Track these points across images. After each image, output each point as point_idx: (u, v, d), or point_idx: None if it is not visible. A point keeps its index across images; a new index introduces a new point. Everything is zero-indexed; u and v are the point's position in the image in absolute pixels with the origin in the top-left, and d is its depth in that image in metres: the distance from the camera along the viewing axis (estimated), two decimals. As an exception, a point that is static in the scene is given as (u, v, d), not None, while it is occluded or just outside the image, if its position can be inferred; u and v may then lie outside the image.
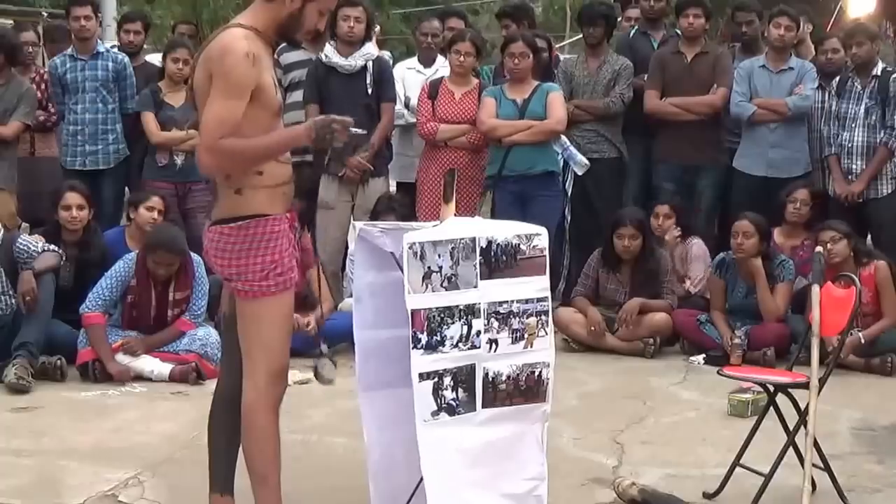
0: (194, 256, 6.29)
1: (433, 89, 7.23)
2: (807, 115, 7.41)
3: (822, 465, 4.16)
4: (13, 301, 6.17)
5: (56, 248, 6.27)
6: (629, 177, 7.79)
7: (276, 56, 7.16)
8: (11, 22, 11.31)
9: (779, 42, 7.38)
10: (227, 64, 3.37)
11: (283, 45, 6.88)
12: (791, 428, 4.23)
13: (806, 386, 4.10)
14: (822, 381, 4.12)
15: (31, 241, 6.23)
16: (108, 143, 7.50)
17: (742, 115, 7.37)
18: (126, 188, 7.69)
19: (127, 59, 7.69)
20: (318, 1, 3.54)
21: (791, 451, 4.20)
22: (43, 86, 7.79)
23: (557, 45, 19.14)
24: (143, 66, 7.96)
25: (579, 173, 7.22)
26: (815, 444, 4.07)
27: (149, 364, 6.02)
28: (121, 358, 6.01)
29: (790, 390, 4.25)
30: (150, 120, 7.30)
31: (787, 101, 7.29)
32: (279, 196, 3.55)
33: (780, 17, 7.41)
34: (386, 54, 7.59)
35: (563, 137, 7.08)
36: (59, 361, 5.97)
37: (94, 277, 6.21)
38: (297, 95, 7.14)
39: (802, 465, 4.06)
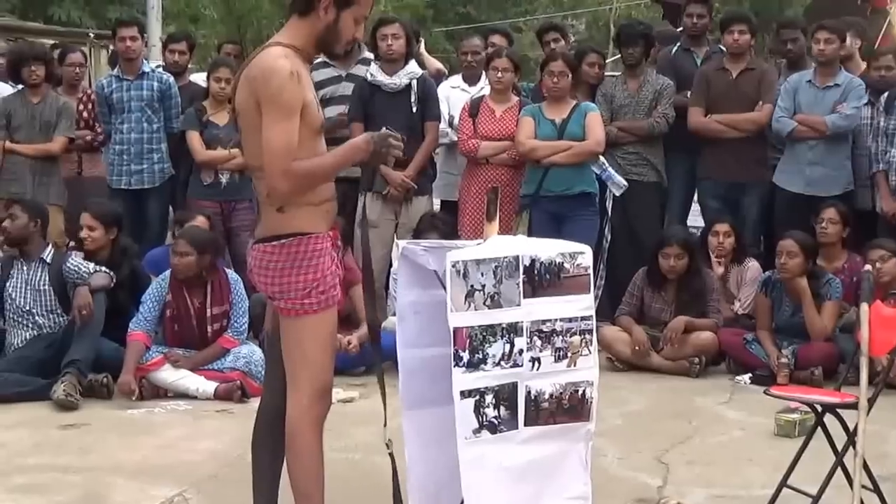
0: (231, 274, 6.36)
1: (474, 107, 7.24)
2: (849, 133, 7.30)
3: (871, 487, 4.10)
4: (62, 319, 6.26)
5: (107, 270, 6.33)
6: (671, 195, 7.77)
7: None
8: (56, 42, 11.45)
9: (821, 56, 7.29)
10: (275, 86, 3.38)
11: (314, 62, 7.01)
12: (839, 448, 4.17)
13: (854, 406, 4.04)
14: (871, 401, 4.05)
15: (82, 262, 6.32)
16: (153, 163, 7.58)
17: (782, 130, 7.29)
18: (171, 207, 7.76)
19: (172, 78, 7.77)
20: (353, 9, 3.53)
21: (839, 472, 4.14)
22: (90, 106, 7.90)
23: (601, 63, 19.06)
24: (188, 85, 8.05)
25: (617, 194, 7.18)
26: (864, 465, 4.01)
27: (193, 382, 6.06)
28: (166, 374, 6.06)
29: (838, 410, 4.20)
30: (195, 139, 7.36)
31: (827, 119, 7.18)
32: (322, 214, 3.56)
33: (819, 31, 7.32)
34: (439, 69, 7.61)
35: (602, 158, 7.05)
36: (105, 379, 6.02)
37: (124, 297, 6.30)
38: (329, 112, 7.16)
39: (851, 486, 4.00)
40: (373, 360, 6.11)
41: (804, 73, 7.46)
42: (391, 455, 3.64)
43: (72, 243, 6.98)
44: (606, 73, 8.10)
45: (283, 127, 3.38)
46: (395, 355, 3.82)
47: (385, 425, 3.64)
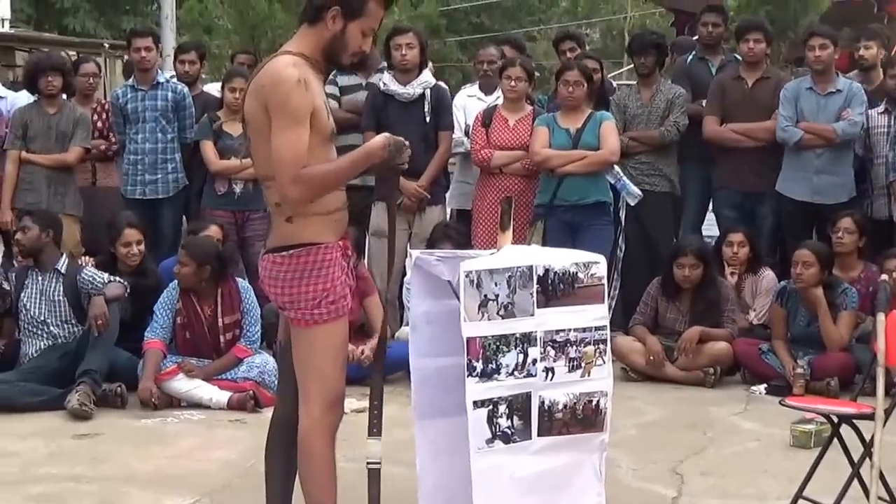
0: (241, 282, 6.38)
1: (487, 117, 7.23)
2: (854, 140, 7.24)
3: (888, 498, 4.06)
4: (77, 329, 6.27)
5: (121, 280, 6.35)
6: (686, 204, 7.74)
7: (333, 77, 7.25)
8: (74, 53, 11.49)
9: (817, 63, 7.22)
10: (282, 94, 3.39)
11: (337, 69, 7.02)
12: (856, 460, 4.15)
13: (871, 417, 4.01)
14: (887, 412, 4.03)
15: (96, 273, 6.34)
16: (167, 172, 7.59)
17: (789, 140, 7.22)
18: (185, 217, 7.77)
19: (186, 89, 7.78)
20: (360, 20, 3.54)
21: (855, 483, 4.12)
22: (104, 116, 7.92)
23: (616, 72, 19.08)
24: (200, 95, 8.06)
25: (632, 203, 7.15)
26: (881, 476, 3.98)
27: (207, 392, 6.06)
28: (180, 383, 6.06)
29: (855, 421, 4.17)
30: (209, 149, 7.37)
31: (836, 127, 7.12)
32: (331, 224, 3.55)
33: (812, 38, 7.28)
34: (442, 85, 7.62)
35: (617, 167, 7.03)
36: (119, 389, 6.02)
37: (150, 303, 6.31)
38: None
39: (867, 497, 3.97)
40: (386, 371, 6.17)
41: (802, 80, 7.40)
42: (375, 471, 3.64)
43: (89, 258, 6.96)
44: (621, 83, 8.08)
45: (291, 134, 3.38)
46: (408, 365, 3.81)
47: (370, 435, 3.63)
